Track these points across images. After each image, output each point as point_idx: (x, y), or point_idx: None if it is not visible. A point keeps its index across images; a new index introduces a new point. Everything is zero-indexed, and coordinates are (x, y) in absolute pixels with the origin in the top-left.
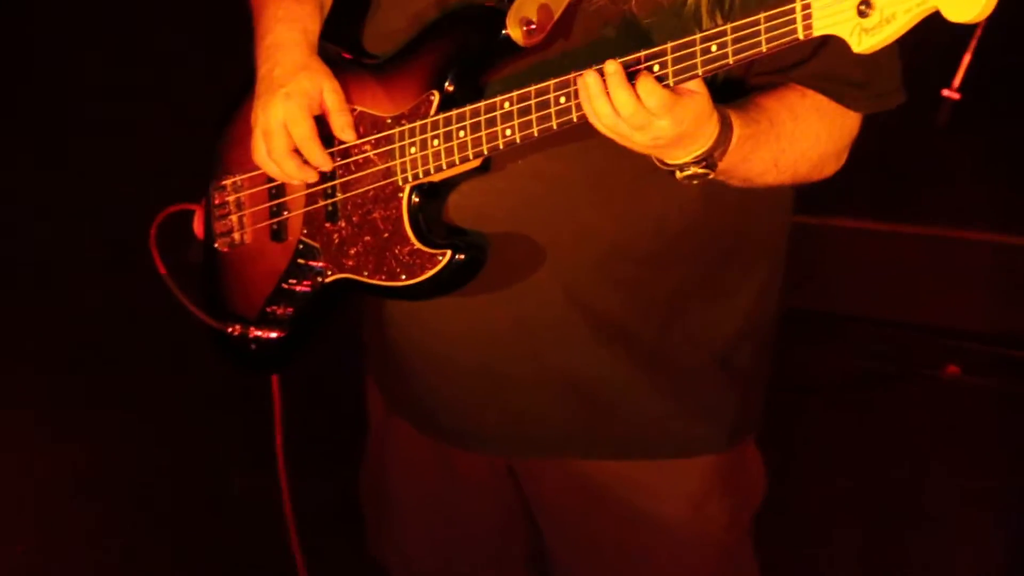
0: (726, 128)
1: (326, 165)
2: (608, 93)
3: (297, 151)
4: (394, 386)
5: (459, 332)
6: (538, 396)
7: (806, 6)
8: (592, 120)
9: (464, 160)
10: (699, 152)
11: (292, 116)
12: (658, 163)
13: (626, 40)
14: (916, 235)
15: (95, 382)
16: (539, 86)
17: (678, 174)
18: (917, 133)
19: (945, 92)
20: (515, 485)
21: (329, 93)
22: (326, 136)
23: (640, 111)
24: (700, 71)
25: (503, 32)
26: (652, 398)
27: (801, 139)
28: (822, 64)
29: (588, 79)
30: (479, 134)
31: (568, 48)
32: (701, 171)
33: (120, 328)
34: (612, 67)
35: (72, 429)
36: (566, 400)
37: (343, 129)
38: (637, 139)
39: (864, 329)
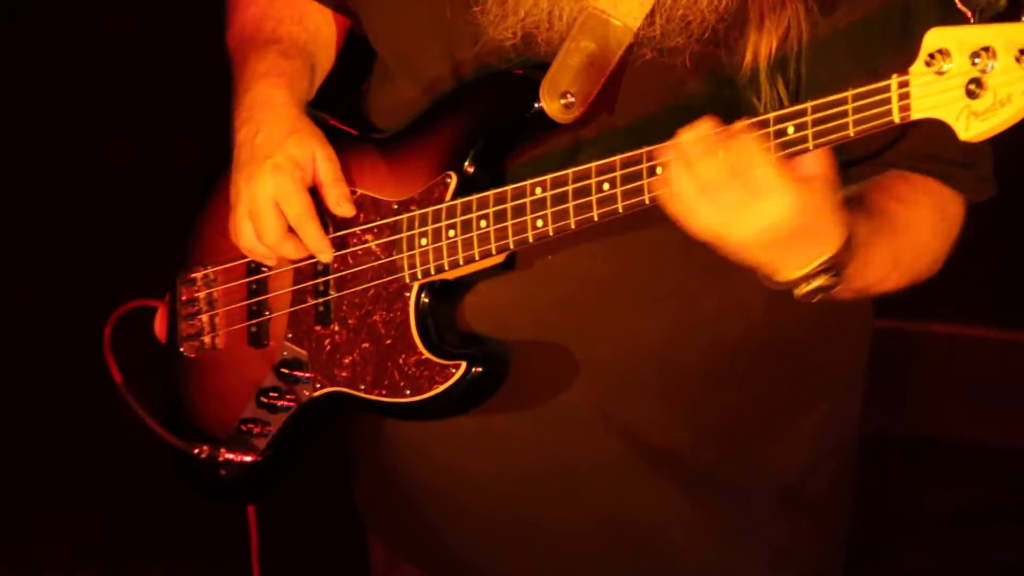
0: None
1: (326, 251)
2: (694, 162)
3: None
4: (396, 524)
5: (476, 463)
6: (574, 544)
7: (903, 83)
8: (672, 204)
9: (485, 255)
10: (826, 257)
11: (284, 191)
12: (767, 281)
13: (679, 114)
14: None
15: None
16: (578, 169)
17: (798, 290)
18: None
19: None
20: None
21: (323, 162)
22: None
23: (740, 182)
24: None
25: (536, 106)
26: (707, 541)
27: (916, 230)
28: (921, 143)
29: (683, 138)
30: (504, 224)
31: (611, 122)
32: (828, 282)
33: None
34: (705, 127)
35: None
36: (608, 549)
37: (339, 202)
38: (737, 231)
39: (972, 457)
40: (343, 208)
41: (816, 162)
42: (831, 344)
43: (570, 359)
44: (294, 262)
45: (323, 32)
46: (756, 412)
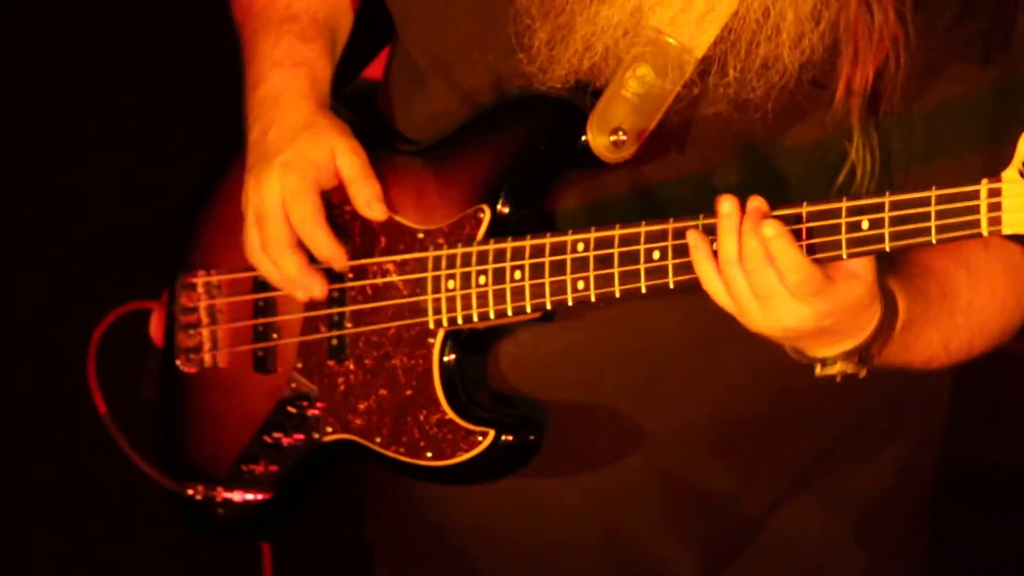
0: (889, 313)
1: (339, 261)
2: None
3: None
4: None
5: (508, 526)
6: None
7: (994, 191)
8: (705, 286)
9: (519, 312)
10: (850, 347)
11: (292, 192)
12: (791, 352)
13: (751, 169)
14: None
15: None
16: (625, 231)
17: (818, 369)
18: None
19: None
20: None
21: (345, 156)
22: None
23: (769, 275)
24: (844, 253)
25: (582, 139)
26: None
27: (981, 310)
28: None
29: (694, 237)
30: (541, 281)
31: (672, 168)
32: (852, 369)
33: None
34: (754, 203)
35: None
36: None
37: (369, 203)
38: (757, 321)
39: None
40: (374, 209)
41: (862, 263)
42: (913, 378)
43: (622, 418)
44: None
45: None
46: (823, 460)
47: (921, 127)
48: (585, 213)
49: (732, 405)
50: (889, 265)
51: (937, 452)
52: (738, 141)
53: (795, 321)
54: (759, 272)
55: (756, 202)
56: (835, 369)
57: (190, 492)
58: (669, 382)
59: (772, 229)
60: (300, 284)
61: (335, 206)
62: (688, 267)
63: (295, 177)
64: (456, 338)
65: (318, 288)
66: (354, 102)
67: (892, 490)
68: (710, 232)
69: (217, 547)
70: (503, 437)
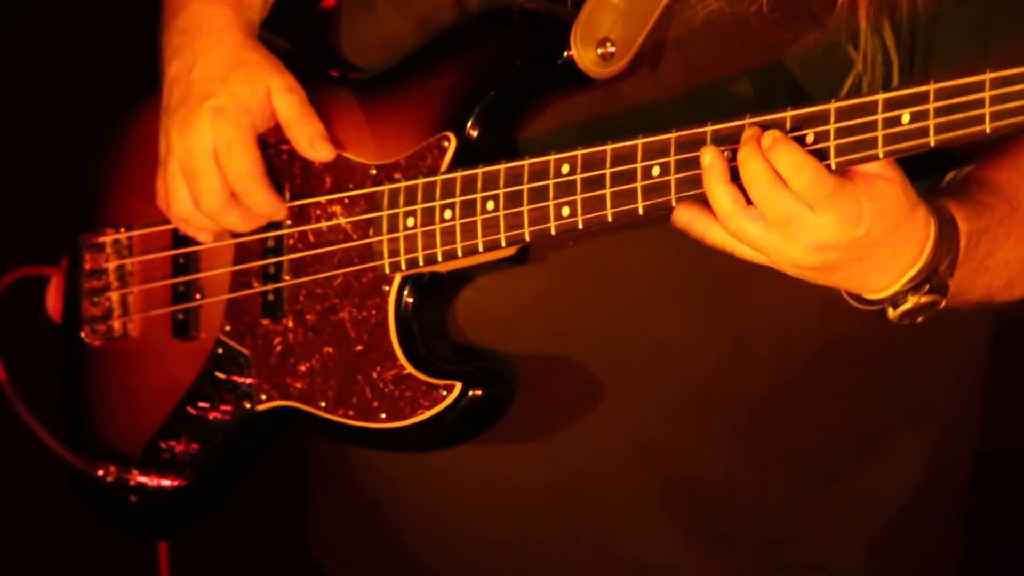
0: (947, 225)
1: (280, 212)
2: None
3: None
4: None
5: (470, 505)
6: None
7: None
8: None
9: (492, 246)
10: (914, 271)
11: (226, 143)
12: (853, 301)
13: (754, 75)
14: None
15: None
16: (619, 145)
17: (891, 311)
18: None
19: None
20: None
21: (282, 95)
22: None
23: (779, 194)
24: (881, 152)
25: (565, 54)
26: None
27: None
28: None
29: (710, 154)
30: (519, 209)
31: (663, 82)
32: (926, 299)
33: None
34: (750, 132)
35: None
36: None
37: (312, 143)
38: (783, 253)
39: None
40: (319, 150)
41: (882, 163)
42: (943, 347)
43: (596, 377)
44: (237, 235)
45: None
46: (836, 444)
47: (957, 21)
48: (558, 140)
49: (722, 368)
50: (936, 194)
51: (972, 439)
52: (733, 46)
53: (824, 236)
54: (769, 195)
55: (750, 132)
56: (908, 305)
57: (100, 473)
58: (650, 338)
59: (769, 139)
60: (240, 228)
61: (270, 146)
62: (695, 182)
63: (229, 125)
64: (416, 283)
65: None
66: (289, 28)
67: (920, 484)
68: (721, 143)
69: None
70: (471, 392)
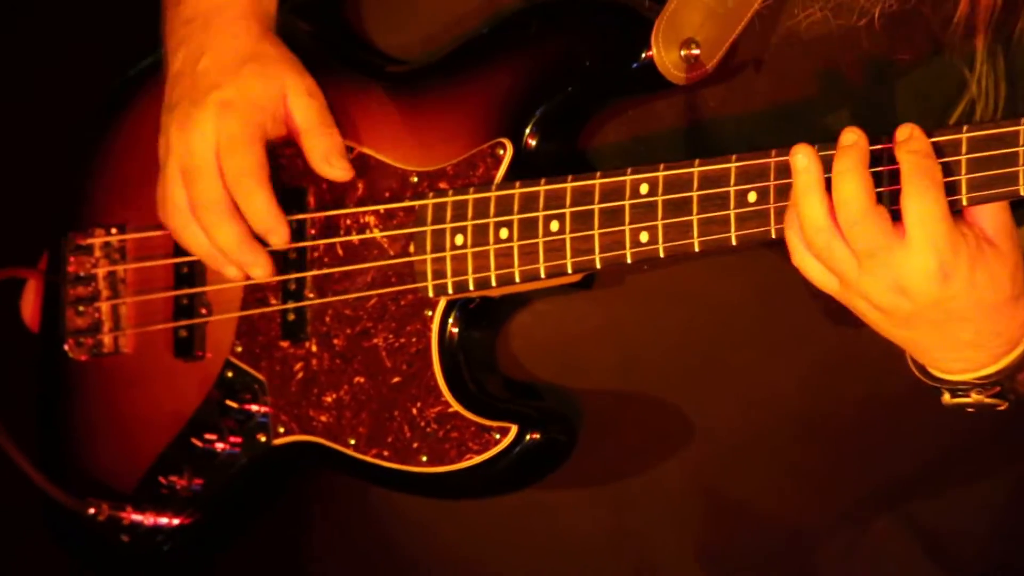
0: None
1: (279, 236)
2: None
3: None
4: None
5: (513, 554)
6: None
7: None
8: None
9: (555, 273)
10: (992, 371)
11: (229, 140)
12: (913, 366)
13: (846, 98)
14: None
15: None
16: (707, 167)
17: (946, 396)
18: None
19: None
20: None
21: (299, 98)
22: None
23: (872, 229)
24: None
25: (644, 55)
26: None
27: None
28: None
29: (804, 157)
30: (587, 232)
31: (754, 92)
32: (989, 401)
33: None
34: (852, 137)
35: None
36: None
37: (327, 158)
38: (860, 284)
39: None
40: (335, 168)
41: (996, 216)
42: None
43: (664, 418)
44: None
45: None
46: (919, 487)
47: None
48: (628, 153)
49: (806, 407)
50: None
51: None
52: (835, 63)
53: (907, 276)
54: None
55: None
56: (967, 400)
57: (92, 511)
58: (727, 372)
59: (852, 136)
60: (237, 259)
61: (291, 145)
62: None
63: (235, 121)
64: (463, 309)
65: (260, 267)
66: (310, 11)
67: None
68: (827, 162)
69: None
70: (528, 436)
